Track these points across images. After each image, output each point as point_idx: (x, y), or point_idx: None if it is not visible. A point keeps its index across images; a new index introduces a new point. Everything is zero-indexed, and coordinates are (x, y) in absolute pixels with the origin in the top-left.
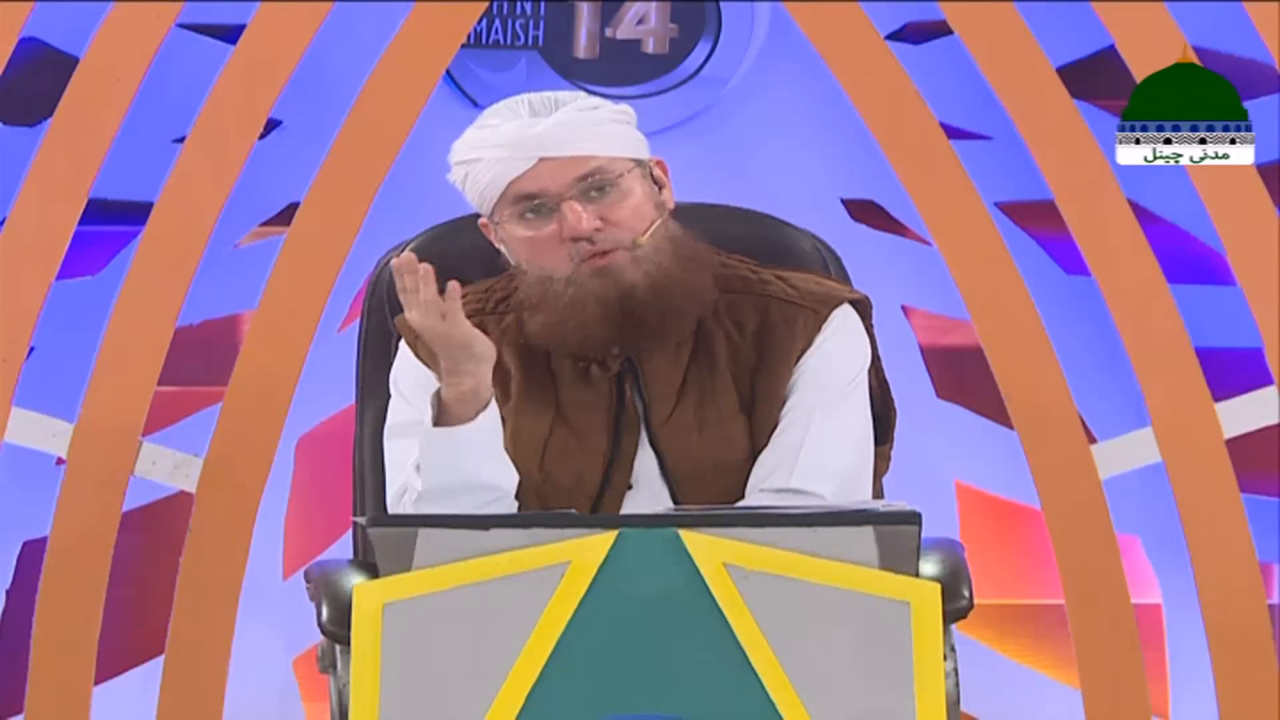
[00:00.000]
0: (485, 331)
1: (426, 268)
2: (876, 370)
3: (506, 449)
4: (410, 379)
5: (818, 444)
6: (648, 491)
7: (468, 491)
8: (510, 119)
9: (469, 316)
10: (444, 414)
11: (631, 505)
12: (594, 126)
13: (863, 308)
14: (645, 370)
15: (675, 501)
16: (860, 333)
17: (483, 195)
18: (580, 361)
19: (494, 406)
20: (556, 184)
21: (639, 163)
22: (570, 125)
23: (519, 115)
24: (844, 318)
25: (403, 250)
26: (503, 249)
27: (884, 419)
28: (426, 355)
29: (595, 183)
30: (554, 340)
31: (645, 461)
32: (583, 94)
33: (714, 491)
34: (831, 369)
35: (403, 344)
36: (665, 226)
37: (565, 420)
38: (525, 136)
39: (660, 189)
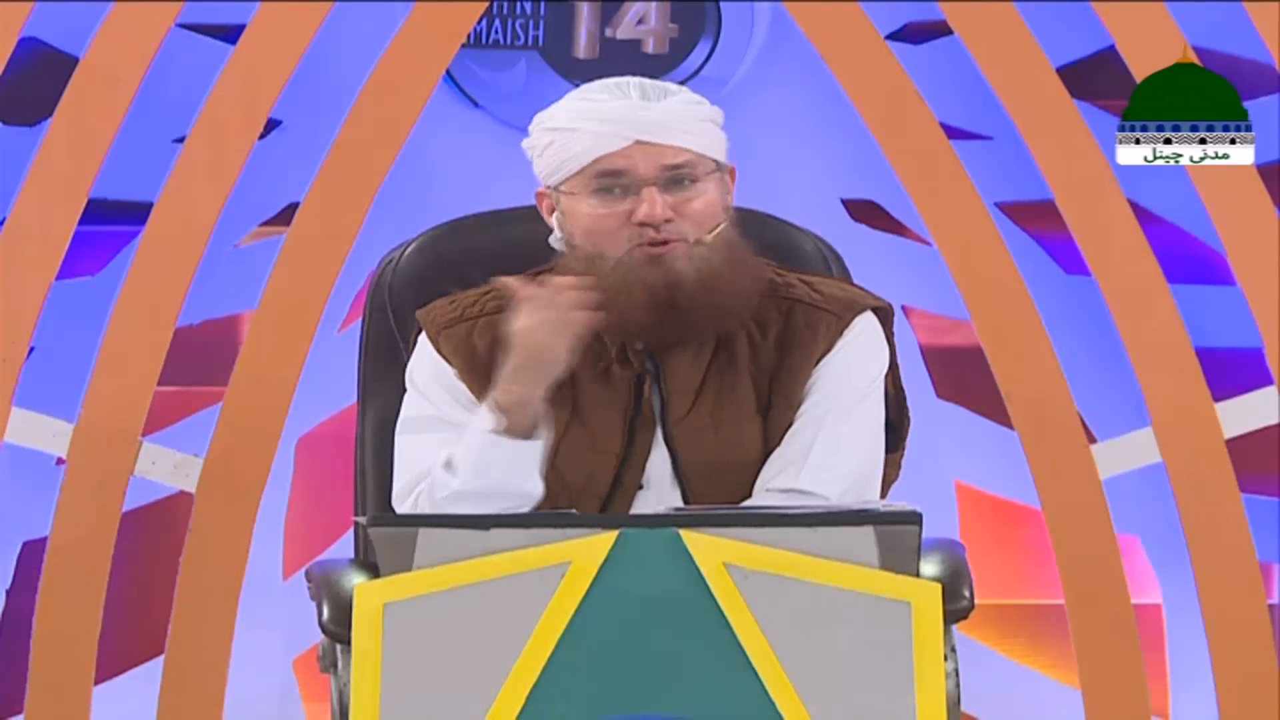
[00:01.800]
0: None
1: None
2: (894, 377)
3: None
4: (428, 374)
5: (828, 447)
6: (659, 491)
7: (504, 497)
8: (618, 97)
9: (490, 315)
10: (498, 420)
11: (642, 504)
12: (695, 121)
13: (885, 315)
14: (666, 369)
15: (687, 501)
16: (880, 340)
17: (563, 164)
18: (601, 361)
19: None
20: (645, 169)
21: (719, 165)
22: (675, 115)
23: (627, 96)
24: (866, 324)
25: (404, 250)
26: (554, 222)
27: (898, 426)
28: (448, 350)
29: (680, 175)
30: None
31: (659, 461)
32: (687, 88)
33: (726, 491)
34: (849, 374)
35: (423, 337)
36: (727, 231)
37: (581, 420)
38: (630, 118)
39: (727, 194)
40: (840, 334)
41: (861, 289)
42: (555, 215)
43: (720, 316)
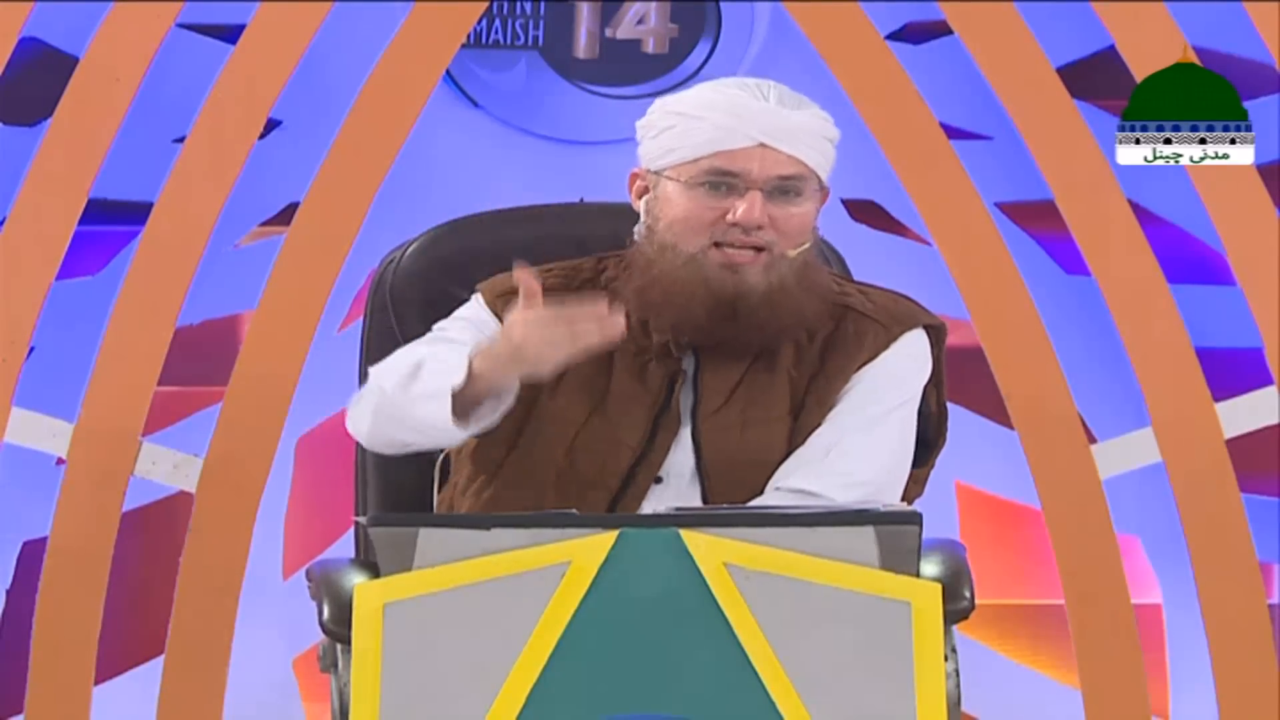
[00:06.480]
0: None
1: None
2: (938, 395)
3: (537, 429)
4: (467, 314)
5: (848, 452)
6: (678, 485)
7: (410, 429)
8: (755, 98)
9: (550, 291)
10: (471, 382)
11: (659, 498)
12: (819, 138)
13: (936, 333)
14: (706, 365)
15: (705, 498)
16: (925, 358)
17: (677, 149)
18: (641, 355)
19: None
20: (761, 173)
21: (823, 185)
22: (805, 128)
23: (764, 99)
24: (913, 340)
25: (405, 250)
26: (640, 202)
27: (933, 444)
28: (501, 307)
29: (787, 186)
30: (646, 309)
31: (681, 456)
32: (816, 105)
33: (745, 490)
34: (885, 385)
35: (476, 297)
36: (809, 251)
37: (605, 412)
38: (761, 120)
39: (818, 213)
40: (886, 346)
41: (917, 304)
42: (645, 199)
43: (775, 334)
